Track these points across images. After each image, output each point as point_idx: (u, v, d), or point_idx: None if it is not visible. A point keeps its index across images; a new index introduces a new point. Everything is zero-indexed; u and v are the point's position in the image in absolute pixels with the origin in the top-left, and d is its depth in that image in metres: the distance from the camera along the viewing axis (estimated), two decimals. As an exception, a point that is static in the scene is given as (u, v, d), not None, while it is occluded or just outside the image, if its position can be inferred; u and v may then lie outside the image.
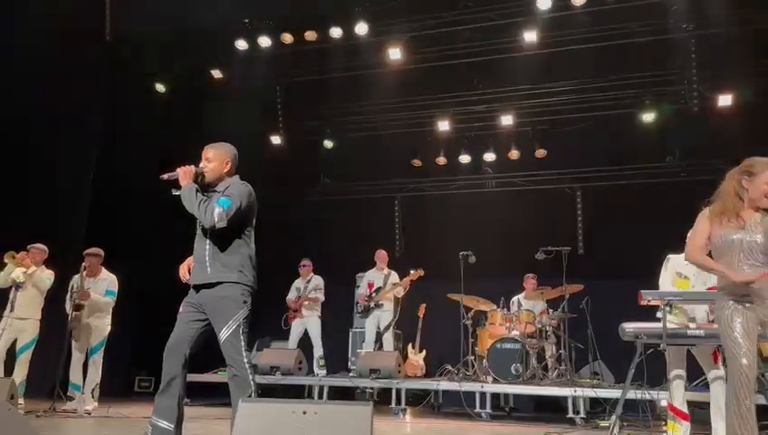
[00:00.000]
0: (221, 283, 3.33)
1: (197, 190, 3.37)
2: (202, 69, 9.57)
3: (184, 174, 3.41)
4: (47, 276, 6.51)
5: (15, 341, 6.35)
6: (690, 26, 8.07)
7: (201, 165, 3.50)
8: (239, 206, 3.31)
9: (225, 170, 3.51)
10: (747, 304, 3.13)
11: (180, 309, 3.41)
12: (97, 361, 6.41)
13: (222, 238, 3.37)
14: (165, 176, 3.46)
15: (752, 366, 2.96)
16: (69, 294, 6.41)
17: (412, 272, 8.14)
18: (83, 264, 6.38)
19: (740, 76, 8.14)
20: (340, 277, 9.07)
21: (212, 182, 3.50)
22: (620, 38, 8.10)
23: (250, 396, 3.13)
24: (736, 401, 2.91)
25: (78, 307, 6.21)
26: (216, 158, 3.49)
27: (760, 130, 7.83)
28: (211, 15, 8.25)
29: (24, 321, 6.37)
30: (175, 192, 3.43)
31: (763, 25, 7.55)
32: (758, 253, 3.17)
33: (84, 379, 6.39)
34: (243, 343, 3.27)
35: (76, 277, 6.42)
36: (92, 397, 6.30)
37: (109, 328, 6.54)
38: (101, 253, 6.55)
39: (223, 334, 3.26)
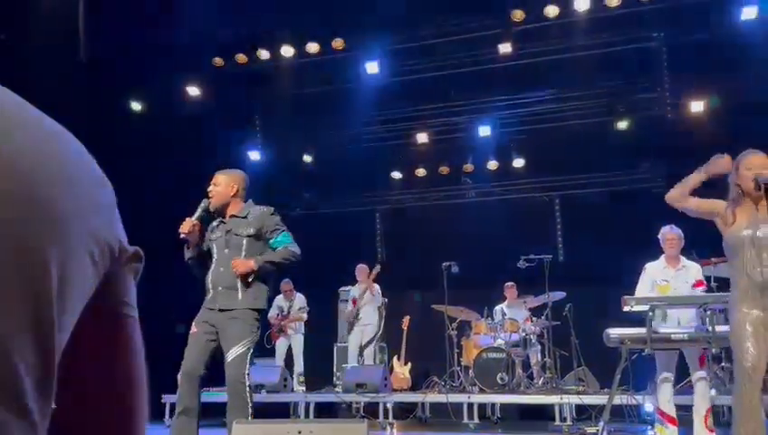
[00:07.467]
0: (244, 308, 3.40)
1: (265, 261, 3.46)
2: (179, 86, 9.50)
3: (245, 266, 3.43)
4: None
5: None
6: (661, 34, 8.25)
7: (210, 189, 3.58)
8: None
9: (232, 193, 3.54)
10: (759, 310, 3.01)
11: (193, 329, 3.43)
12: None
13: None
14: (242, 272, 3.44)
15: (756, 368, 2.98)
16: None
17: (372, 270, 8.27)
18: None
19: (711, 82, 8.33)
20: (323, 292, 9.02)
21: (218, 207, 3.54)
22: (593, 48, 8.25)
23: (247, 417, 3.13)
24: (740, 399, 2.97)
25: None
26: (221, 182, 3.55)
27: (733, 134, 8.00)
28: (187, 32, 8.21)
29: None
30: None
31: (731, 32, 7.75)
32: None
33: None
34: (248, 366, 3.30)
35: None
36: None
37: None
38: None
39: (231, 354, 3.29)
